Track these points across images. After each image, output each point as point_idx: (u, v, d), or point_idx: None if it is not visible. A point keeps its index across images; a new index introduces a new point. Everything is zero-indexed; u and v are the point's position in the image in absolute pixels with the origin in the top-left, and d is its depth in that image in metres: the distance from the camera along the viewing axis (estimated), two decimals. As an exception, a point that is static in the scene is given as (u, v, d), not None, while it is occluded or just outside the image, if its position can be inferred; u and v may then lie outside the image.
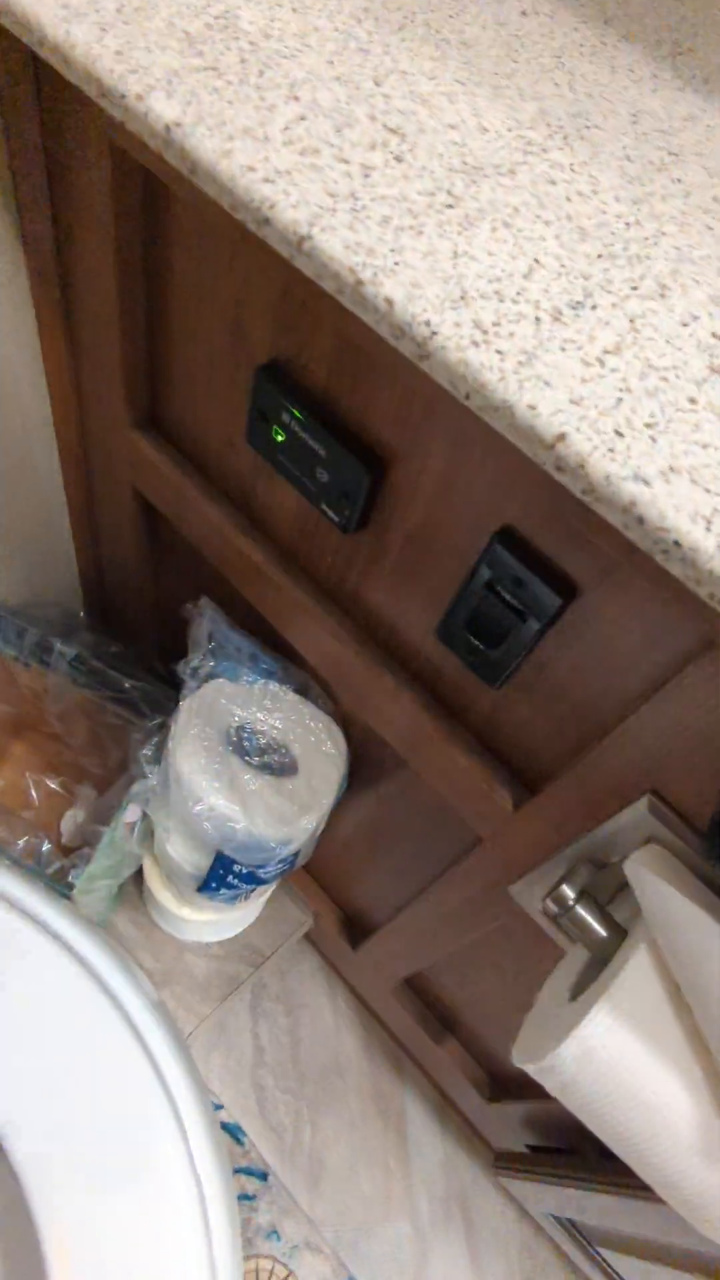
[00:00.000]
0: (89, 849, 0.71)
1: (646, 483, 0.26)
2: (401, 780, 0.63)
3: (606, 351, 0.29)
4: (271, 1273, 0.88)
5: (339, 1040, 1.00)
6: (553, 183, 0.36)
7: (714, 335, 0.31)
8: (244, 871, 0.63)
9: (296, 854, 0.64)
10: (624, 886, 0.46)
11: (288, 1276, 0.87)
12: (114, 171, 0.42)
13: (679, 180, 0.39)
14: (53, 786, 0.84)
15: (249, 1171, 0.92)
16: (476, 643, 0.44)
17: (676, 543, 0.25)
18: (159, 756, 0.66)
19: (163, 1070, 0.54)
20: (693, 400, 0.29)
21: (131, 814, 0.71)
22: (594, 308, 0.31)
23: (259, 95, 0.35)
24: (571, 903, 0.44)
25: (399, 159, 0.34)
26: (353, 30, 0.40)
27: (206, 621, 0.63)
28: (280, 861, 0.63)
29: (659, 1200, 0.54)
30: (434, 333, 0.28)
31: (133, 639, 0.85)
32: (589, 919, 0.44)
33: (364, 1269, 0.89)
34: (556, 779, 0.44)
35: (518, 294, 0.30)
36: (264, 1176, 0.92)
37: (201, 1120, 0.54)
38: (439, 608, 0.46)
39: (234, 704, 0.63)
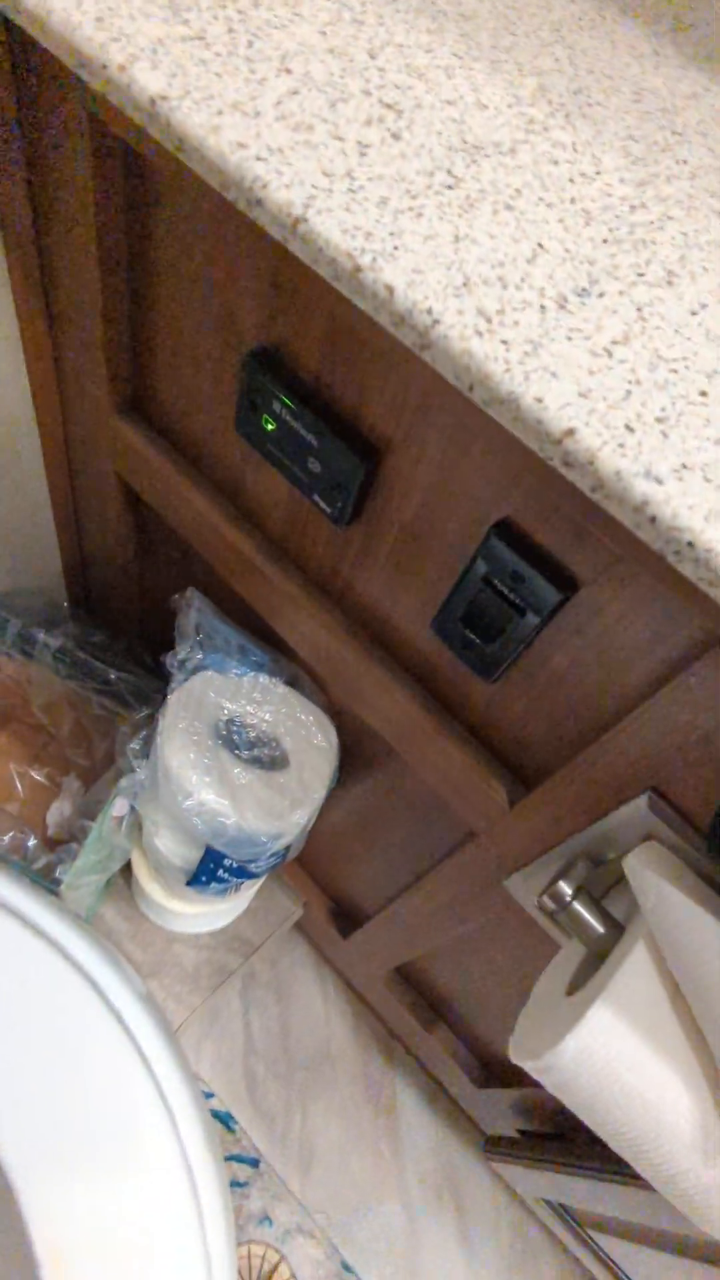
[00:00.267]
0: (76, 844, 0.69)
1: (659, 480, 0.25)
2: (394, 773, 0.62)
3: (614, 341, 0.28)
4: (264, 1258, 0.88)
5: (329, 1028, 1.00)
6: (555, 163, 0.35)
7: (723, 324, 0.30)
8: (234, 866, 0.62)
9: (287, 848, 0.63)
10: (619, 881, 0.46)
11: (280, 1261, 0.87)
12: (94, 147, 0.40)
13: (684, 161, 0.38)
14: (38, 779, 0.83)
15: (240, 1159, 0.92)
16: (473, 637, 0.43)
17: (690, 543, 0.24)
18: (147, 750, 0.65)
19: (151, 1062, 0.53)
20: (704, 393, 0.28)
21: (119, 808, 0.69)
22: (600, 295, 0.30)
23: (249, 67, 0.33)
24: (569, 899, 0.44)
25: (396, 136, 0.33)
26: (345, -1, 0.38)
27: (194, 613, 0.62)
28: (271, 856, 0.62)
29: (647, 1186, 0.55)
30: (436, 321, 0.27)
31: (119, 630, 0.83)
32: (586, 915, 0.44)
33: (355, 1252, 0.90)
34: (554, 774, 0.44)
35: (522, 280, 0.29)
36: (255, 1163, 0.92)
37: (192, 1109, 0.53)
38: (434, 601, 0.45)
39: (223, 697, 0.62)
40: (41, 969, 0.54)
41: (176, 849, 0.65)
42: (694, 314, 0.31)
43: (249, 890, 0.82)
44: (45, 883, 0.69)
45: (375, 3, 0.39)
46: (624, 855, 0.41)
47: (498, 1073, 0.81)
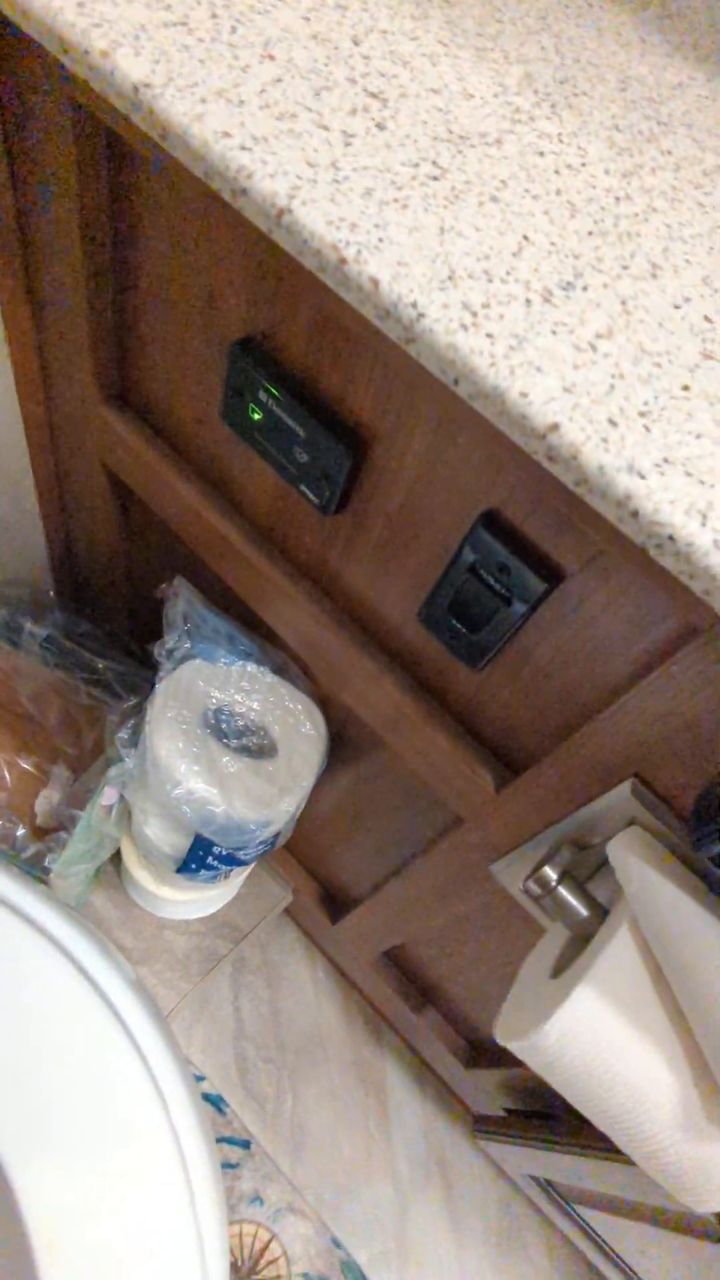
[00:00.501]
0: (65, 832, 0.70)
1: (641, 475, 0.25)
2: (382, 761, 0.62)
3: (599, 335, 0.29)
4: (255, 1236, 0.89)
5: (320, 1011, 1.01)
6: (541, 154, 0.35)
7: (707, 319, 0.31)
8: (223, 853, 0.63)
9: (276, 835, 0.64)
10: (603, 865, 0.46)
11: (271, 1240, 0.89)
12: (77, 133, 0.40)
13: (669, 152, 0.38)
14: (26, 768, 0.83)
15: (231, 1141, 0.93)
16: (459, 626, 0.43)
17: (671, 537, 0.25)
18: (135, 739, 0.65)
19: (143, 1048, 0.54)
20: (686, 387, 0.28)
21: (108, 796, 0.70)
22: (585, 288, 0.30)
23: (232, 54, 0.33)
24: (554, 883, 0.44)
25: (381, 126, 0.33)
26: (330, -16, 0.38)
27: (182, 602, 0.62)
28: (260, 843, 0.63)
29: (629, 1161, 0.56)
30: (421, 315, 0.27)
31: (106, 619, 0.83)
32: (571, 899, 0.44)
33: (346, 1230, 0.91)
34: (539, 762, 0.44)
35: (507, 273, 0.29)
36: (246, 1145, 0.93)
37: (183, 1094, 0.54)
38: (421, 590, 0.46)
39: (211, 686, 0.62)
40: (31, 957, 0.54)
41: (166, 837, 0.65)
42: (677, 307, 0.31)
43: (238, 877, 0.83)
44: (34, 871, 0.69)
45: (360, -12, 0.39)
46: (608, 840, 0.41)
47: (485, 1054, 0.82)
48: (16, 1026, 0.52)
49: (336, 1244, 0.90)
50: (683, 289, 0.32)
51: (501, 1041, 0.44)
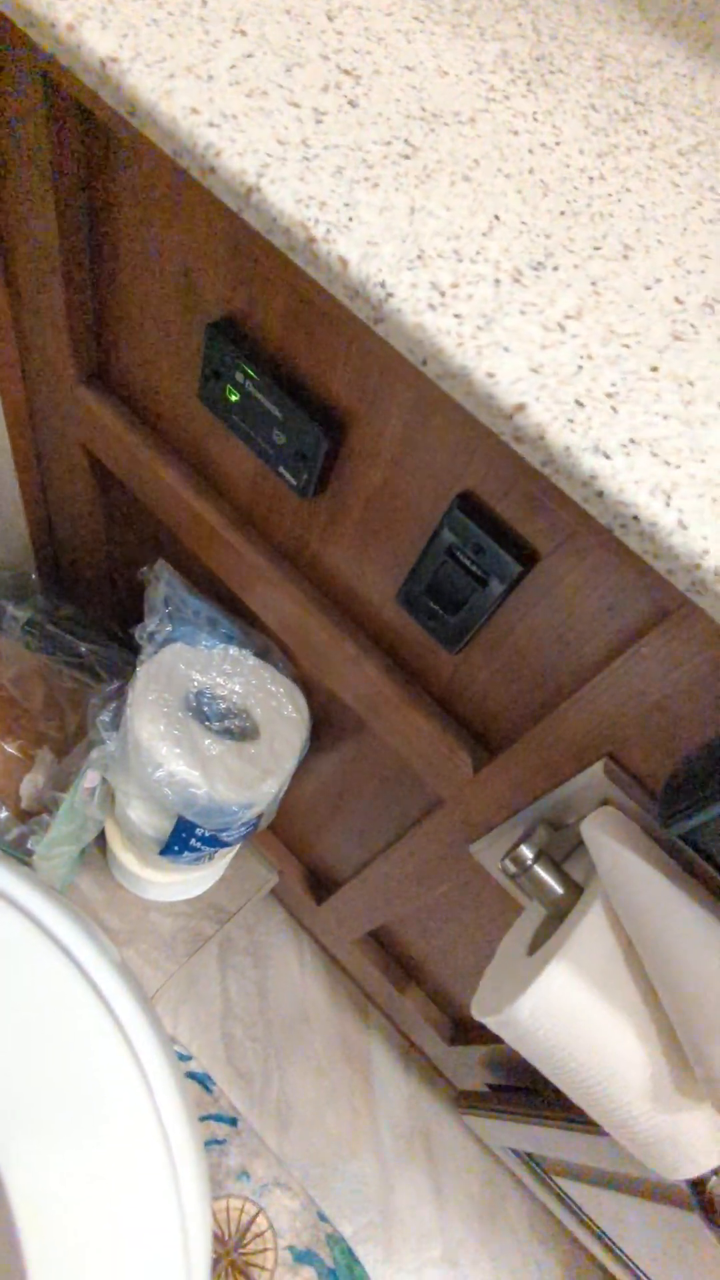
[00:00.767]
0: (48, 815, 0.70)
1: (607, 455, 0.25)
2: (363, 743, 0.63)
3: (568, 316, 0.29)
4: (242, 1210, 0.91)
5: (306, 990, 1.02)
6: (515, 133, 0.34)
7: (677, 300, 0.31)
8: (206, 835, 0.63)
9: (259, 817, 0.64)
10: (580, 845, 0.47)
11: (257, 1214, 0.90)
12: (49, 108, 0.39)
13: (644, 132, 0.38)
14: (10, 752, 0.83)
15: (219, 1118, 0.95)
16: (436, 608, 0.44)
17: (635, 517, 0.25)
18: (117, 722, 0.65)
19: (127, 1029, 0.54)
20: (654, 368, 0.28)
21: (90, 779, 0.70)
22: (555, 269, 0.30)
23: (203, 28, 0.32)
24: (529, 862, 0.45)
25: (353, 103, 0.32)
26: (304, -44, 0.37)
27: (163, 585, 0.62)
28: (242, 825, 0.63)
29: (605, 1133, 0.57)
30: (389, 294, 0.27)
31: (88, 602, 0.83)
32: (546, 877, 0.45)
33: (332, 1203, 0.93)
34: (516, 742, 0.45)
35: (477, 253, 0.29)
36: (233, 1121, 0.94)
37: (167, 1074, 0.55)
38: (400, 573, 0.46)
39: (193, 669, 0.62)
40: (14, 938, 0.55)
41: (149, 819, 0.65)
42: (648, 288, 0.31)
43: (223, 859, 0.83)
44: (17, 854, 0.70)
45: (335, -39, 0.38)
46: (582, 819, 0.42)
47: (468, 1030, 0.84)
48: (2, 1011, 0.53)
49: (322, 1217, 0.92)
50: (654, 270, 0.32)
51: (478, 1017, 0.44)
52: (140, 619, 0.63)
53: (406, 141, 0.32)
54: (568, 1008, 0.40)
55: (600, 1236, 0.76)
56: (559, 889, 0.45)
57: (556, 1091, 0.70)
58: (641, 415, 0.27)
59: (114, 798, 0.71)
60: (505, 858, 0.46)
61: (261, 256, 0.37)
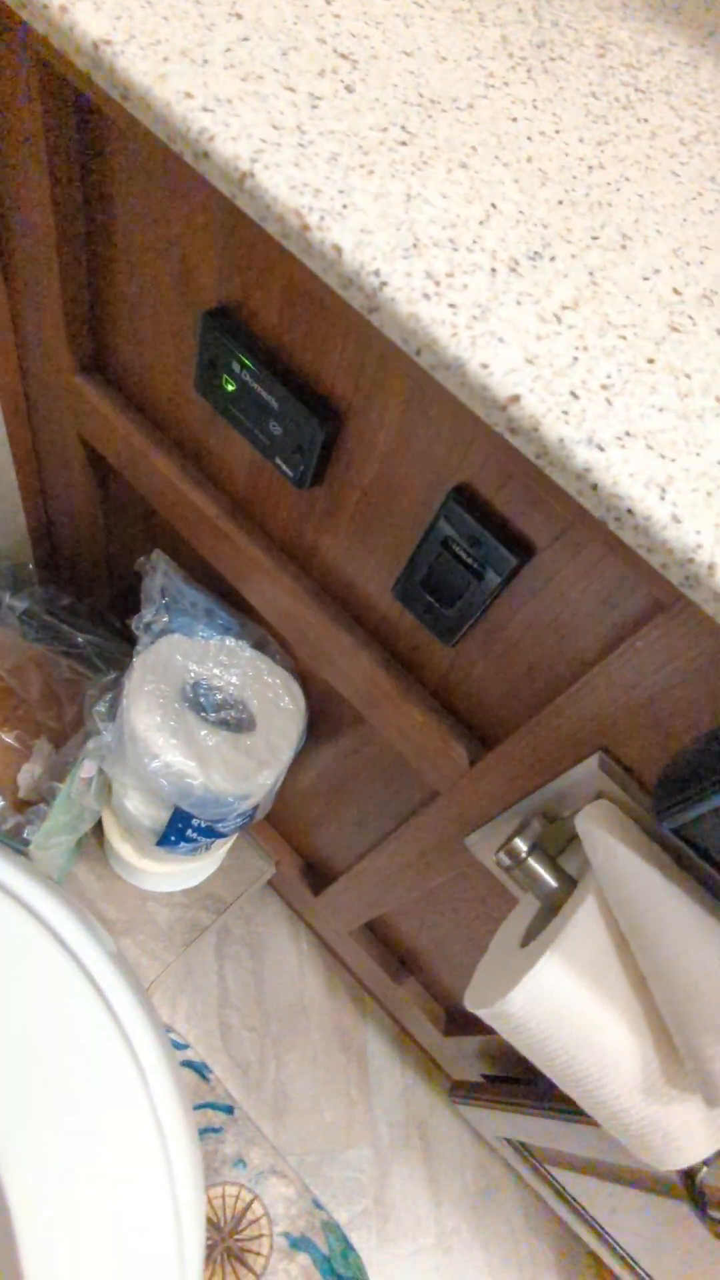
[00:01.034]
0: (45, 805, 0.70)
1: (601, 448, 0.25)
2: (360, 735, 0.63)
3: (564, 307, 0.28)
4: (237, 1198, 0.91)
5: (303, 981, 1.03)
6: (513, 120, 0.34)
7: (675, 291, 0.30)
8: (202, 826, 0.63)
9: (255, 808, 0.64)
10: (574, 838, 0.47)
11: (253, 1201, 0.91)
12: (44, 91, 0.39)
13: (645, 120, 0.37)
14: (9, 742, 0.83)
15: (215, 1106, 0.95)
16: (432, 601, 0.43)
17: (630, 510, 0.25)
18: (114, 713, 0.65)
19: (122, 1019, 0.54)
20: (651, 360, 0.28)
21: (87, 770, 0.70)
22: (552, 259, 0.30)
23: (198, 11, 0.32)
24: (524, 855, 0.45)
25: (350, 89, 0.32)
26: (302, -61, 0.37)
27: (160, 576, 0.62)
28: (238, 816, 0.63)
29: (597, 1123, 0.57)
30: (383, 283, 0.27)
31: (85, 592, 0.82)
32: (540, 870, 0.45)
33: (327, 1191, 0.94)
34: (511, 736, 0.45)
35: (473, 242, 0.29)
36: (230, 1110, 0.95)
37: (161, 1064, 0.55)
38: (396, 565, 0.46)
39: (190, 660, 0.62)
40: (9, 929, 0.55)
41: (145, 810, 0.65)
42: (646, 279, 0.31)
43: (219, 849, 0.83)
44: (14, 844, 0.70)
45: (333, -56, 0.38)
46: (577, 813, 0.42)
47: (463, 1021, 0.84)
48: (-5, 995, 0.53)
49: (318, 1205, 0.92)
50: (652, 261, 0.31)
51: (471, 1009, 0.44)
52: (137, 609, 0.63)
53: (403, 128, 0.32)
54: (560, 1000, 0.40)
55: (593, 1225, 0.76)
56: (553, 882, 0.45)
57: (550, 1083, 0.70)
58: (637, 407, 0.27)
59: (111, 788, 0.71)
60: (500, 851, 0.46)
61: (257, 244, 0.37)
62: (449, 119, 0.33)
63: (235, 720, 0.63)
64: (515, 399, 0.26)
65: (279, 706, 0.63)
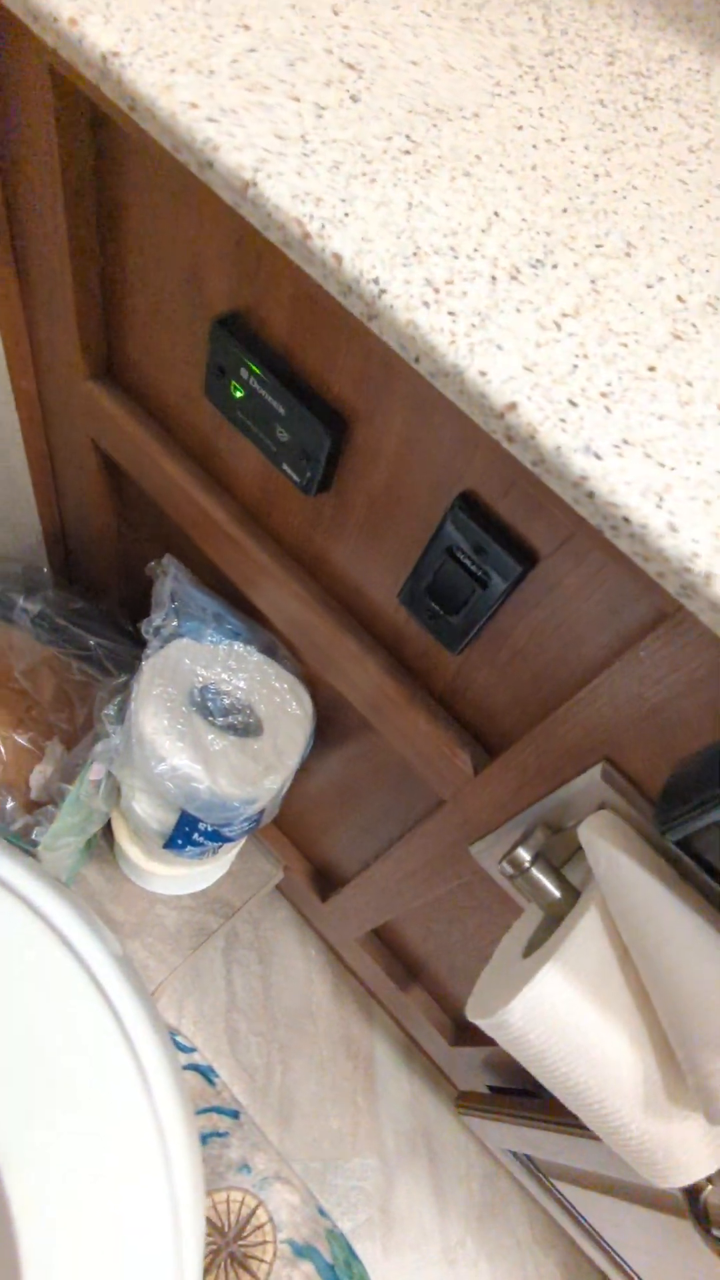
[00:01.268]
0: (54, 806, 0.70)
1: (598, 456, 0.25)
2: (367, 742, 0.63)
3: (564, 314, 0.28)
4: (242, 1203, 0.91)
5: (310, 987, 1.02)
6: (519, 128, 0.34)
7: (679, 298, 0.30)
8: (209, 830, 0.63)
9: (261, 813, 0.64)
10: (579, 848, 0.47)
11: (257, 1206, 0.91)
12: (57, 101, 0.39)
13: (654, 128, 0.37)
14: (21, 743, 0.84)
15: (221, 1110, 0.95)
16: (438, 608, 0.43)
17: (626, 519, 0.25)
18: (122, 715, 0.65)
19: (125, 1021, 0.55)
20: (652, 368, 0.28)
21: (96, 772, 0.70)
22: (554, 266, 0.30)
23: (206, 23, 0.32)
24: (527, 865, 0.45)
25: (355, 98, 0.32)
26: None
27: (170, 580, 0.62)
28: (245, 820, 0.63)
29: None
30: (382, 291, 0.27)
31: (97, 596, 0.83)
32: (543, 880, 0.45)
33: (332, 1199, 0.93)
34: (515, 744, 0.45)
35: (474, 250, 0.29)
36: (236, 1115, 0.95)
37: (164, 1068, 0.55)
38: (402, 571, 0.46)
39: (198, 664, 0.62)
40: (15, 928, 0.55)
41: (152, 813, 0.66)
42: (649, 287, 0.30)
43: (227, 854, 0.83)
44: (22, 843, 0.70)
45: (343, -45, 0.38)
46: (580, 823, 0.42)
47: (469, 1031, 0.83)
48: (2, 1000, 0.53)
49: (322, 1213, 0.92)
50: (657, 268, 0.31)
51: (471, 1019, 0.44)
52: (147, 613, 0.64)
53: (407, 137, 0.32)
54: (560, 1012, 0.39)
55: (598, 1242, 0.75)
56: (556, 892, 0.44)
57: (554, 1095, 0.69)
58: (636, 415, 0.26)
59: (120, 791, 0.71)
60: (504, 859, 0.45)
61: (264, 252, 0.37)
62: (454, 128, 0.33)
63: (243, 725, 0.63)
64: (512, 406, 0.26)
65: (286, 711, 0.63)
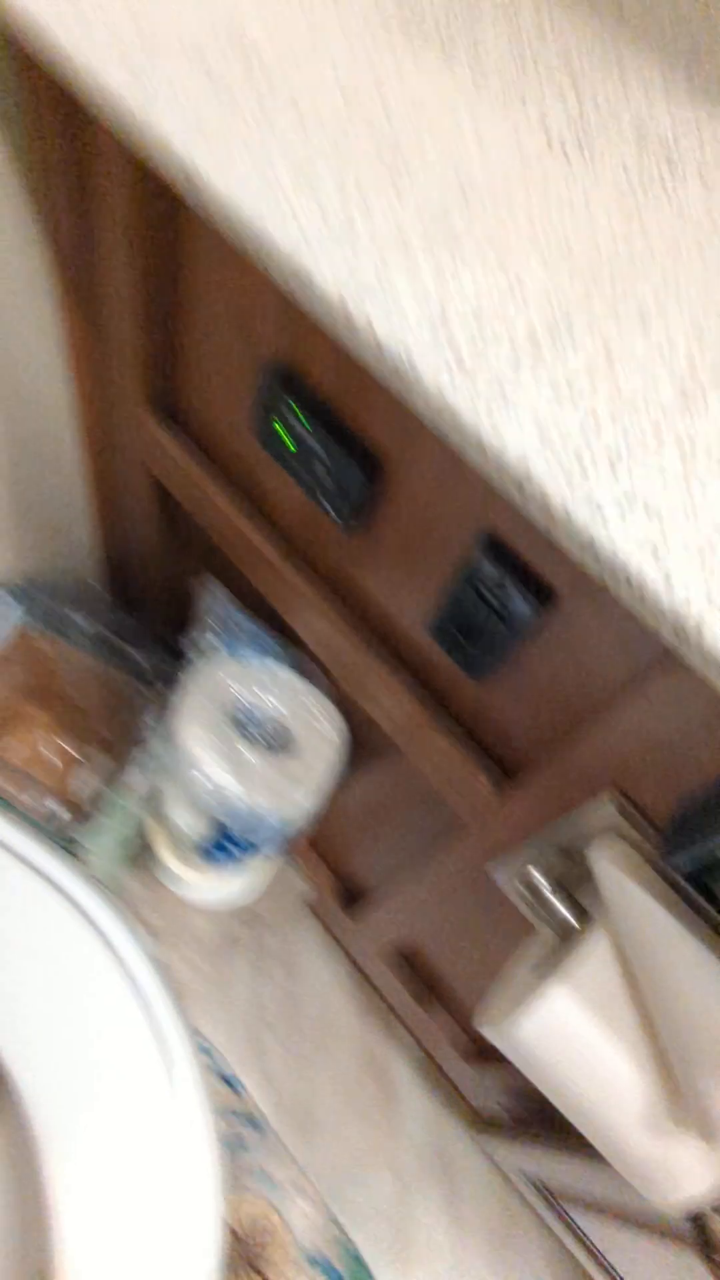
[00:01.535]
0: (97, 812, 0.74)
1: (604, 517, 0.27)
2: (394, 764, 0.65)
3: (579, 378, 0.31)
4: (258, 1209, 0.93)
5: (335, 1002, 1.04)
6: (545, 196, 0.37)
7: (690, 365, 0.33)
8: (241, 840, 0.66)
9: (293, 827, 0.67)
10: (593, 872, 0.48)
11: (274, 1215, 0.92)
12: (130, 177, 0.44)
13: (674, 195, 0.40)
14: (67, 750, 0.88)
15: (244, 1118, 0.97)
16: (462, 639, 0.46)
17: (628, 579, 0.27)
18: (163, 727, 0.69)
19: (155, 1014, 0.58)
20: (659, 432, 0.30)
21: (137, 780, 0.74)
22: (571, 331, 0.32)
23: (259, 105, 0.36)
24: (540, 886, 0.47)
25: (393, 174, 0.35)
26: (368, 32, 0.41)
27: (212, 600, 0.66)
28: (276, 833, 0.66)
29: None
30: (408, 355, 0.30)
31: (143, 612, 0.88)
32: (555, 902, 0.46)
33: (348, 1213, 0.94)
34: (532, 769, 0.47)
35: (496, 316, 0.32)
36: (258, 1124, 0.97)
37: (189, 1066, 0.58)
38: (430, 604, 0.48)
39: (236, 681, 0.65)
40: (60, 924, 0.59)
41: (189, 821, 0.69)
42: (662, 353, 0.33)
43: (261, 869, 0.86)
44: (67, 846, 0.74)
45: (387, 36, 0.41)
46: (591, 848, 0.43)
47: (488, 1051, 0.84)
48: (43, 987, 0.57)
49: (338, 1226, 0.93)
50: (670, 335, 0.34)
51: (478, 1026, 0.46)
52: (187, 629, 0.68)
53: (439, 206, 0.35)
54: (566, 1027, 0.41)
55: (610, 1272, 0.75)
56: (567, 914, 0.46)
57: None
58: (642, 478, 0.29)
59: (159, 799, 0.75)
60: (519, 880, 0.47)
61: (306, 311, 0.41)
62: (480, 194, 0.36)
63: (277, 742, 0.66)
64: (525, 468, 0.28)
65: (318, 731, 0.66)
